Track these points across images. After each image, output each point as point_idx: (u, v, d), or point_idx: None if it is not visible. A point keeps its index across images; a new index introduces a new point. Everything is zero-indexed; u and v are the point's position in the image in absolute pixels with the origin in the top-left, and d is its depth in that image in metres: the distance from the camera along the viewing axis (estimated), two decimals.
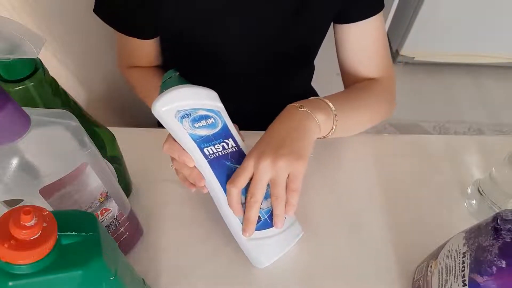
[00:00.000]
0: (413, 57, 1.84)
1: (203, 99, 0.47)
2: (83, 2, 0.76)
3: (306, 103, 0.53)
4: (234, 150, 0.49)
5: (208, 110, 0.47)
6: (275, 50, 0.68)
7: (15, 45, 0.32)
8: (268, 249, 0.49)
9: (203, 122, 0.46)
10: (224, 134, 0.48)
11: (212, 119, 0.47)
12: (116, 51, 0.74)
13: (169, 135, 0.47)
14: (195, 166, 0.47)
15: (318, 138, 0.53)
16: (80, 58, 0.85)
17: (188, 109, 0.46)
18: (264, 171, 0.45)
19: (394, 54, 1.88)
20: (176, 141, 0.46)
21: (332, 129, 0.54)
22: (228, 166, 0.47)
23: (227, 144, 0.48)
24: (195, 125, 0.46)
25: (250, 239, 0.48)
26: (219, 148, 0.47)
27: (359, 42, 0.65)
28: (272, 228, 0.49)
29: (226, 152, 0.48)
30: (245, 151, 0.50)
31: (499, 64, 1.86)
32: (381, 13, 0.63)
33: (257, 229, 0.47)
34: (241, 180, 0.46)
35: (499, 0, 1.60)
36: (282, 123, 0.51)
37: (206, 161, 0.46)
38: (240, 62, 0.69)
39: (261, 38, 0.66)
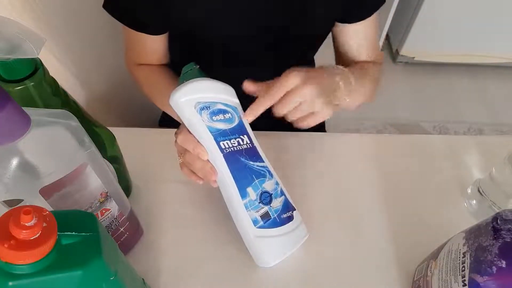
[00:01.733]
0: (413, 57, 1.84)
1: (222, 94, 0.48)
2: (84, 2, 0.76)
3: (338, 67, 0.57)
4: (249, 147, 0.49)
5: (226, 104, 0.48)
6: (276, 47, 0.69)
7: (15, 45, 0.32)
8: (274, 248, 0.49)
9: (220, 116, 0.47)
10: (240, 130, 0.49)
11: (229, 114, 0.48)
12: (124, 49, 0.74)
13: (183, 126, 0.47)
14: (208, 160, 0.46)
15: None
16: (80, 58, 0.85)
17: (207, 101, 0.46)
18: (305, 93, 0.47)
19: (394, 54, 1.88)
20: (190, 132, 0.46)
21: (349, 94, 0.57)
22: (242, 162, 0.47)
23: (242, 140, 0.48)
24: (213, 118, 0.46)
25: (257, 237, 0.47)
26: (234, 143, 0.47)
27: (359, 35, 0.68)
28: (279, 227, 0.49)
29: (241, 148, 0.48)
30: (259, 149, 0.50)
31: (499, 64, 1.86)
32: None
33: (265, 227, 0.47)
34: (280, 92, 0.47)
35: (499, 0, 1.60)
36: (327, 71, 0.54)
37: (222, 154, 0.46)
38: (241, 60, 0.69)
39: (262, 35, 0.66)
